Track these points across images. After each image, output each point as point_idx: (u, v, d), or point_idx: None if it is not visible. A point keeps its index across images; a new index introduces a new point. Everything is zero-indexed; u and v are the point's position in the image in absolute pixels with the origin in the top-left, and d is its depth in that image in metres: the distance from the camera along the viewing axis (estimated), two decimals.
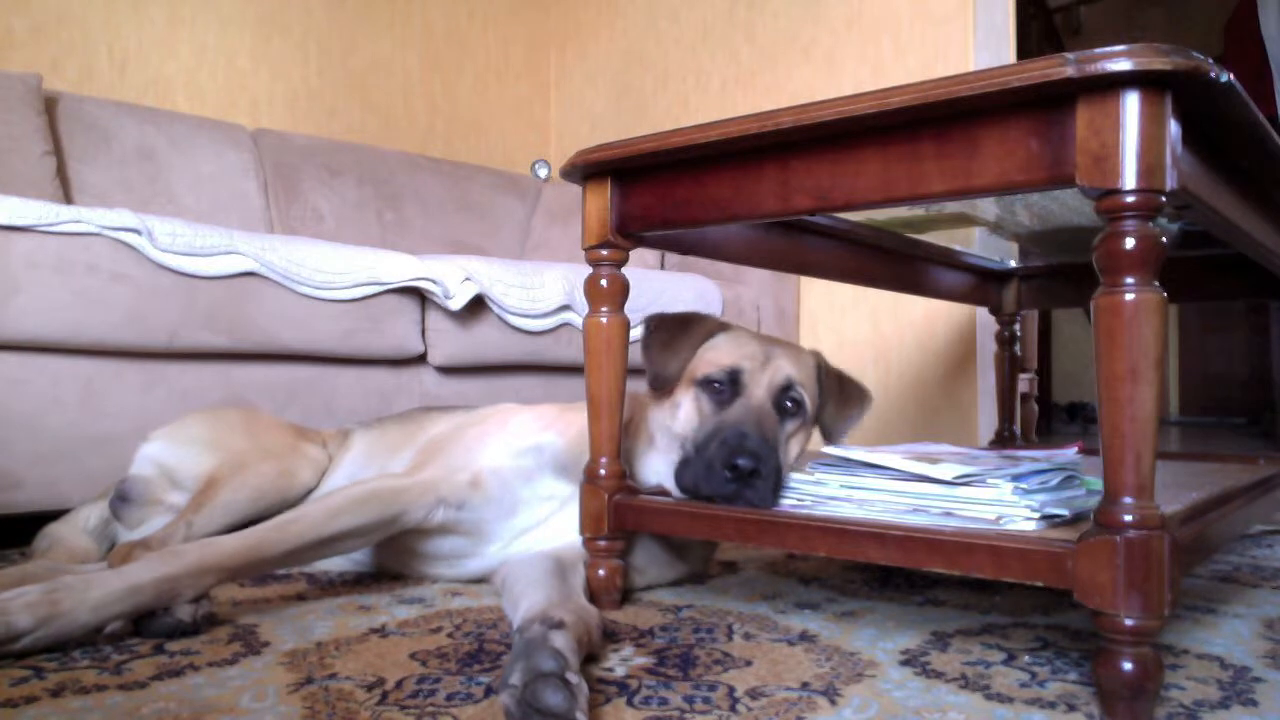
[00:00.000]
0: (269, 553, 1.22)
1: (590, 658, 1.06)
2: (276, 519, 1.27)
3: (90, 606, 1.07)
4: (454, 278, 2.21)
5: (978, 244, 1.99)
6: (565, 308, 2.42)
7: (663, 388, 1.38)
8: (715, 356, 1.36)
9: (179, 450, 1.55)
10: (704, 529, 1.23)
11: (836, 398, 1.45)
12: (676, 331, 1.39)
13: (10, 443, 1.74)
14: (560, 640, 0.91)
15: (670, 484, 1.32)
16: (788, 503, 1.24)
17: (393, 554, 1.48)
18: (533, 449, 1.43)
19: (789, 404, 1.35)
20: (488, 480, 1.40)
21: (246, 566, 1.20)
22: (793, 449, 1.37)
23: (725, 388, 1.34)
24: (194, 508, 1.41)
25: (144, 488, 1.53)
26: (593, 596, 1.30)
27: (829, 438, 1.44)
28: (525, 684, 0.83)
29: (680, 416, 1.35)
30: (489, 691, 0.95)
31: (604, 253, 1.31)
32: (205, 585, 1.16)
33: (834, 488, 1.20)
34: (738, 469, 1.21)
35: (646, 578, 1.43)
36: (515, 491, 1.41)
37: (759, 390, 1.33)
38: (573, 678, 0.85)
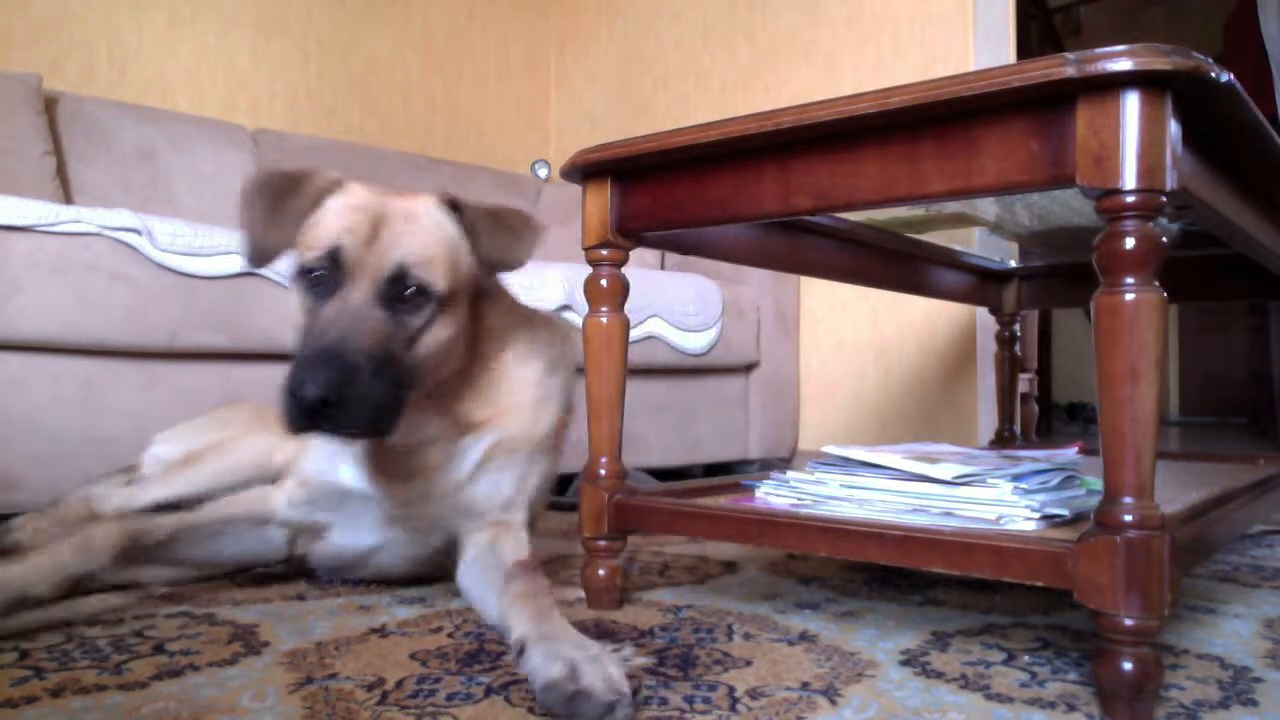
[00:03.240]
0: (147, 540, 1.26)
1: None
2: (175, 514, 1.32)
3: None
4: None
5: (978, 244, 1.99)
6: (565, 308, 2.42)
7: (262, 262, 1.16)
8: (316, 234, 1.11)
9: (178, 446, 1.56)
10: (704, 529, 1.22)
11: (490, 232, 1.17)
12: (281, 194, 1.14)
13: (10, 443, 1.74)
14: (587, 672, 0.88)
15: None
16: (787, 503, 1.24)
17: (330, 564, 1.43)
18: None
19: (409, 291, 1.10)
20: (310, 476, 1.34)
21: (130, 550, 1.23)
22: (432, 344, 1.13)
23: (326, 276, 1.09)
24: (156, 479, 1.47)
25: None
26: (592, 596, 1.30)
27: (495, 273, 1.22)
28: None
29: (294, 314, 1.13)
30: (489, 691, 0.95)
31: (604, 253, 1.31)
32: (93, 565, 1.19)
33: (834, 488, 1.21)
34: (299, 400, 1.00)
35: None
36: (329, 483, 1.33)
37: (362, 281, 1.08)
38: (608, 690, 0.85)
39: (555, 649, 0.91)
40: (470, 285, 1.20)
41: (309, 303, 1.10)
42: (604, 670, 0.87)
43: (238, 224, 1.14)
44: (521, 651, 0.95)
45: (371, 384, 1.03)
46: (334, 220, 1.11)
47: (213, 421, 1.62)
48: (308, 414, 1.01)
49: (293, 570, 1.49)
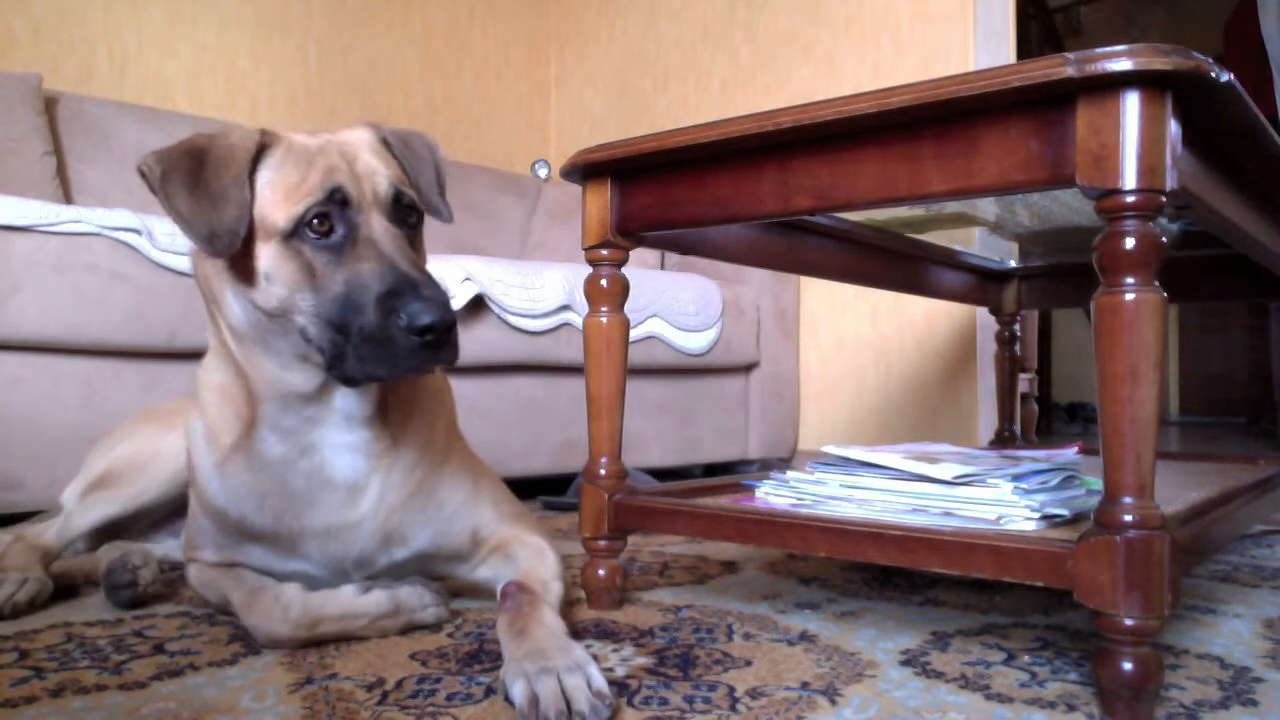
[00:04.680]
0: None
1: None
2: None
3: None
4: (454, 278, 2.21)
5: (978, 244, 1.99)
6: (565, 308, 2.42)
7: (227, 249, 0.99)
8: (285, 191, 1.00)
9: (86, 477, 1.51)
10: (704, 529, 1.22)
11: (415, 165, 1.14)
12: (198, 166, 1.00)
13: (10, 443, 1.74)
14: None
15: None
16: (787, 503, 1.24)
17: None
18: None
19: (406, 212, 1.07)
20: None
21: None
22: (427, 262, 1.13)
23: (333, 225, 1.00)
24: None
25: None
26: (592, 596, 1.30)
27: (435, 213, 1.16)
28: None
29: (276, 289, 1.00)
30: (489, 691, 0.95)
31: (604, 252, 1.31)
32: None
33: (834, 487, 1.21)
34: (432, 329, 0.94)
35: None
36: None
37: (372, 211, 1.02)
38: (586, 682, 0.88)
39: (521, 669, 0.90)
40: None
41: (324, 256, 0.99)
42: (574, 683, 0.87)
43: (171, 218, 1.01)
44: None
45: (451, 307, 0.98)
46: (305, 171, 1.01)
47: (114, 439, 1.52)
48: (433, 345, 0.95)
49: None
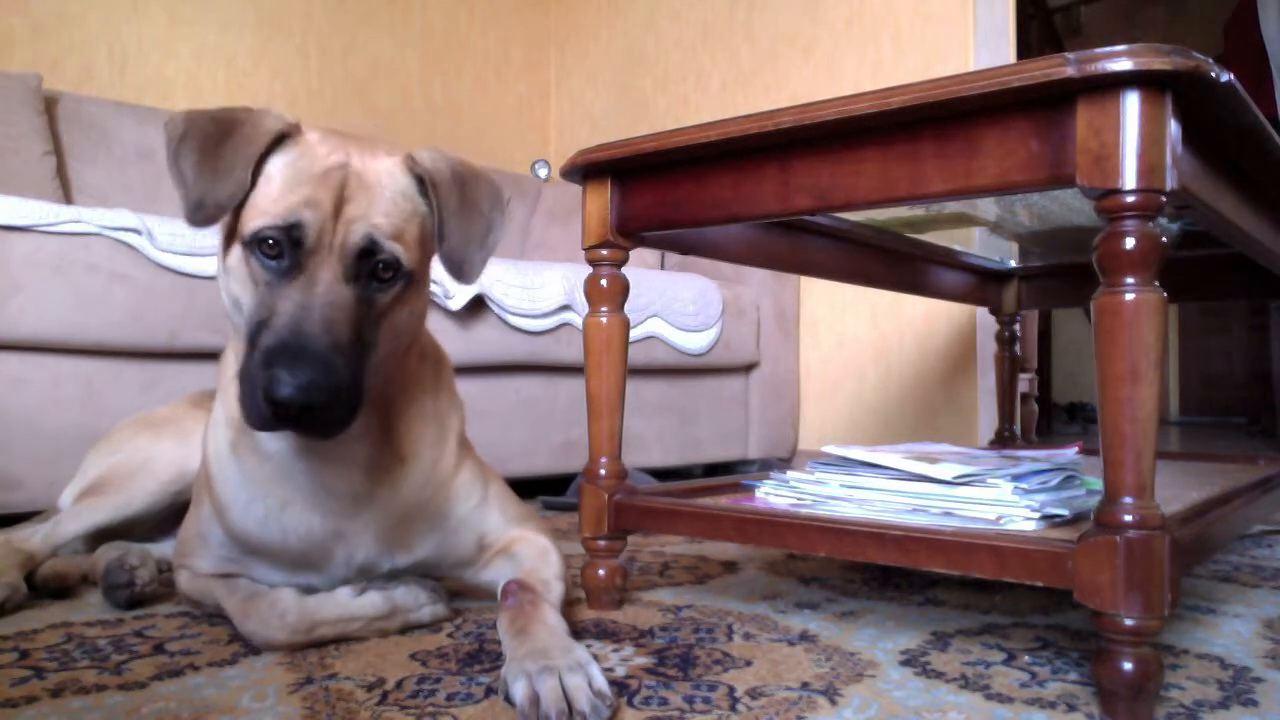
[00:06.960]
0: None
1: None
2: None
3: None
4: None
5: (978, 244, 1.99)
6: (565, 308, 2.42)
7: (207, 221, 0.97)
8: (268, 197, 0.97)
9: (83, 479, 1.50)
10: (704, 529, 1.23)
11: (455, 212, 1.04)
12: (220, 137, 0.98)
13: (10, 443, 1.74)
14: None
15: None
16: (787, 502, 1.24)
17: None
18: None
19: (378, 267, 0.98)
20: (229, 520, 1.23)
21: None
22: (395, 323, 1.03)
23: (284, 252, 0.96)
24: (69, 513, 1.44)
25: None
26: (592, 596, 1.30)
27: (459, 273, 1.05)
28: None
29: (233, 283, 0.99)
30: (489, 691, 0.95)
31: (604, 253, 1.31)
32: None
33: (834, 487, 1.21)
34: (279, 407, 0.89)
35: None
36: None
37: (329, 259, 0.95)
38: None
39: (522, 668, 0.90)
40: (427, 265, 1.07)
41: (266, 276, 0.96)
42: (575, 683, 0.87)
43: (172, 175, 0.99)
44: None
45: (346, 376, 0.93)
46: (292, 187, 0.97)
47: (110, 444, 1.51)
48: (283, 417, 0.90)
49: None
